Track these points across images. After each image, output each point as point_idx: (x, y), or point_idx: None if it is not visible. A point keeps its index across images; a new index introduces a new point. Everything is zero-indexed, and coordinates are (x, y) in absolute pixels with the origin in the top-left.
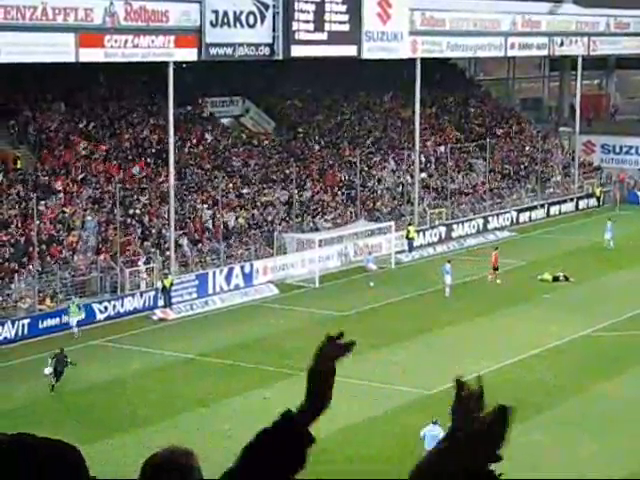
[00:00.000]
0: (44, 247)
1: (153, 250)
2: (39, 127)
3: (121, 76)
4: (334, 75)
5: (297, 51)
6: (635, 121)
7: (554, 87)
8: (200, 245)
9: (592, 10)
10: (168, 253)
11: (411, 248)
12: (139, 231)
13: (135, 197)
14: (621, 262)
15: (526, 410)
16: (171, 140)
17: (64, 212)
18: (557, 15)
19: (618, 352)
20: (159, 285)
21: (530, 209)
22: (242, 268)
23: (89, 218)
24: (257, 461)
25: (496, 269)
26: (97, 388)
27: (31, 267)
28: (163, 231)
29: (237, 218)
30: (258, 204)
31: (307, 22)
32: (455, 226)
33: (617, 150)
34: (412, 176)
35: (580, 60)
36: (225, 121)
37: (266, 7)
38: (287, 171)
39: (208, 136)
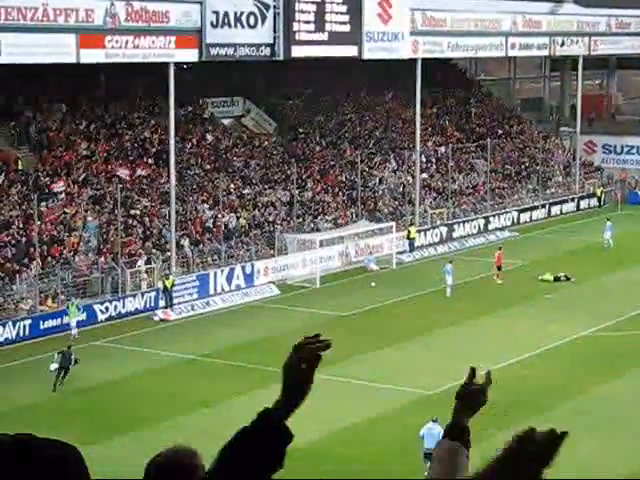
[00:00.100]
0: (45, 248)
1: (154, 251)
2: (40, 128)
3: (122, 77)
4: (335, 76)
5: (298, 51)
6: (636, 121)
7: (555, 87)
8: (201, 245)
9: (593, 10)
10: (169, 254)
11: (412, 248)
12: (140, 232)
13: (136, 198)
14: (622, 262)
15: (527, 410)
16: (172, 141)
17: (65, 213)
18: (558, 15)
19: (619, 352)
20: (160, 286)
21: (531, 209)
22: (243, 268)
23: (90, 219)
24: (235, 460)
25: (499, 268)
26: (98, 389)
27: (32, 268)
28: (164, 231)
29: (238, 218)
30: (259, 204)
31: (308, 22)
32: (456, 226)
33: (618, 150)
34: (413, 176)
35: (581, 60)
36: (226, 122)
37: (267, 7)
38: (288, 171)
39: (209, 137)
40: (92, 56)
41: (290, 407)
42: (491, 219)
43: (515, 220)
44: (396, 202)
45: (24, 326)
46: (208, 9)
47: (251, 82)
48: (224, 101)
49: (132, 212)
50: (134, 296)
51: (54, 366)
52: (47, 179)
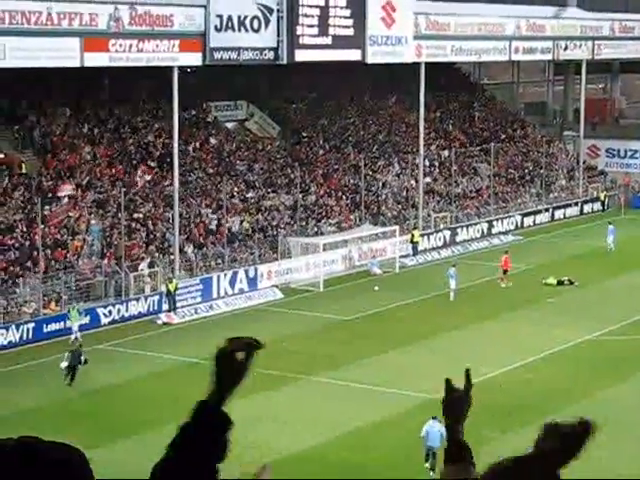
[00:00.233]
0: (49, 251)
1: (157, 254)
2: (44, 131)
3: (126, 80)
4: (338, 79)
5: (301, 55)
6: None
7: (558, 91)
8: (204, 249)
9: (596, 14)
10: (172, 257)
11: (415, 252)
12: (144, 235)
13: (139, 201)
14: (626, 266)
15: (531, 414)
16: (175, 144)
17: (69, 217)
18: (561, 19)
19: (624, 356)
20: (163, 289)
21: (535, 213)
22: (246, 272)
23: (93, 222)
24: (180, 454)
25: (505, 272)
26: (102, 392)
27: (36, 271)
28: (167, 235)
29: (241, 222)
30: (262, 208)
31: (311, 26)
32: (459, 230)
33: (622, 154)
34: (416, 180)
35: (584, 64)
36: (229, 125)
37: (270, 11)
38: (291, 175)
39: (213, 140)
40: (96, 60)
41: (224, 391)
42: (494, 223)
43: (519, 224)
44: (399, 206)
45: (27, 329)
46: (212, 13)
47: (255, 86)
48: (228, 105)
49: (135, 216)
50: (137, 300)
51: (64, 364)
52: (50, 183)
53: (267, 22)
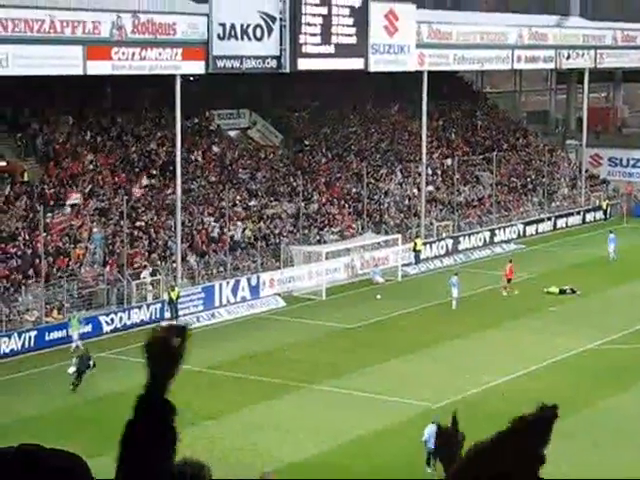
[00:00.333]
0: (51, 259)
1: (160, 262)
2: (46, 139)
3: (128, 89)
4: (341, 88)
5: (304, 64)
6: None
7: (561, 100)
8: (207, 257)
9: (599, 23)
10: (175, 265)
11: (418, 260)
12: (146, 243)
13: (142, 209)
14: (628, 275)
15: None
16: (178, 152)
17: (72, 226)
18: (564, 28)
19: (625, 365)
20: (166, 297)
21: (537, 222)
22: (249, 280)
23: (96, 230)
24: (132, 448)
25: (509, 281)
26: (104, 400)
27: (38, 279)
28: (170, 243)
29: (244, 230)
30: (265, 216)
31: (314, 35)
32: (462, 239)
33: (624, 163)
34: (419, 189)
35: (587, 73)
36: (232, 134)
37: (273, 20)
38: (294, 183)
39: (215, 148)
40: (99, 68)
41: (164, 383)
42: (497, 232)
43: (521, 233)
44: (402, 214)
45: (29, 337)
46: (215, 21)
47: (257, 94)
48: (230, 113)
49: (138, 224)
50: (139, 308)
51: (72, 369)
52: (53, 191)
53: (270, 30)
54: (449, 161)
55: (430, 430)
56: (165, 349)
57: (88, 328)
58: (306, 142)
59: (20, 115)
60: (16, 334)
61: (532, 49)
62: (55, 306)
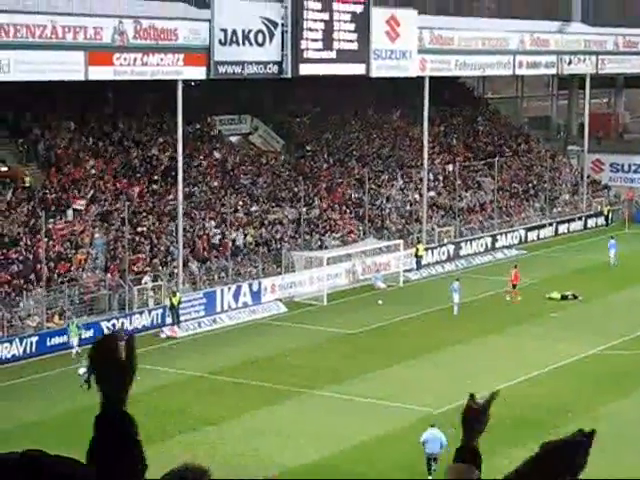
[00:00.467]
0: (52, 265)
1: (161, 268)
2: (48, 145)
3: (130, 94)
4: (342, 93)
5: (306, 69)
6: None
7: (562, 105)
8: (208, 263)
9: (600, 29)
10: (176, 271)
11: (419, 266)
12: (147, 249)
13: (144, 215)
14: (629, 281)
15: (534, 428)
16: (180, 158)
17: (74, 232)
18: (565, 34)
19: (627, 371)
20: (167, 303)
21: (538, 227)
22: (250, 286)
23: (97, 236)
24: (99, 460)
25: (515, 286)
26: None
27: (39, 285)
28: (171, 249)
29: (245, 236)
30: (266, 222)
31: (316, 40)
32: (463, 244)
33: (626, 169)
34: (420, 194)
35: (588, 79)
36: (233, 139)
37: (275, 25)
38: (295, 189)
39: (217, 154)
40: (100, 73)
41: (119, 394)
42: (498, 237)
43: (522, 238)
44: (403, 220)
45: (31, 343)
46: (216, 27)
47: (259, 100)
48: (232, 119)
49: (139, 229)
50: (141, 313)
51: (82, 370)
52: (54, 196)
53: (271, 36)
54: (450, 167)
55: (428, 434)
56: (112, 361)
57: (89, 333)
58: (308, 147)
59: (22, 120)
60: (17, 339)
61: (534, 55)
62: (56, 312)
